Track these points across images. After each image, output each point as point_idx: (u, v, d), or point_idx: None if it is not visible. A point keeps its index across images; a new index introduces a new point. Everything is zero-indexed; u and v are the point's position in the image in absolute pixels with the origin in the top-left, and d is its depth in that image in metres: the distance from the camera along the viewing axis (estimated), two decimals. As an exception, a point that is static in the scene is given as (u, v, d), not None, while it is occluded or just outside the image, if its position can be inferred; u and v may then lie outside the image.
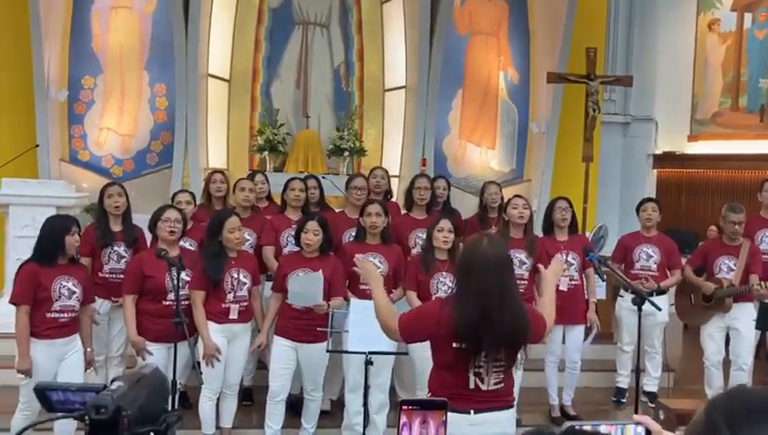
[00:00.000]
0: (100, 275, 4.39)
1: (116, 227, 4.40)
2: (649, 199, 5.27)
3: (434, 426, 1.86)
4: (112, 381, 1.18)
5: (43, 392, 1.18)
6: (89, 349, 3.96)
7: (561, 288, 4.73)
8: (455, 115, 8.27)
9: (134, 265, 4.12)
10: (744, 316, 4.90)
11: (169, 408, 3.62)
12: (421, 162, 7.83)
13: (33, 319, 3.72)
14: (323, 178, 5.84)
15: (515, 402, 2.85)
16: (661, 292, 4.95)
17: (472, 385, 2.60)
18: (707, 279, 5.02)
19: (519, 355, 2.64)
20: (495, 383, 2.63)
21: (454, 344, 2.57)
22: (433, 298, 3.73)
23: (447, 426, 1.95)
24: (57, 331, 3.76)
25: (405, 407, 1.85)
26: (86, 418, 1.07)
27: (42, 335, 3.72)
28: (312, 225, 4.13)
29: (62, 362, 3.79)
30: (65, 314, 3.78)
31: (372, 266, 3.00)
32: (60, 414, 1.18)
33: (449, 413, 2.49)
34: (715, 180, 9.11)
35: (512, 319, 2.54)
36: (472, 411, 2.61)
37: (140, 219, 4.52)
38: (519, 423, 4.69)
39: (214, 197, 5.02)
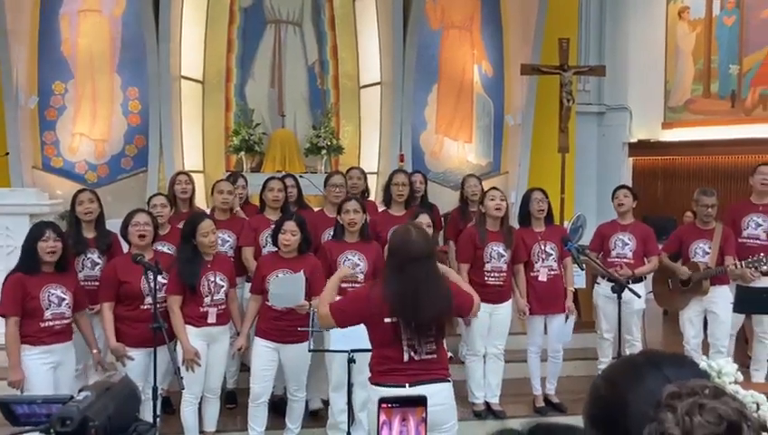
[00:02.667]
0: (75, 282, 4.33)
1: (89, 233, 4.33)
2: (621, 187, 5.30)
3: (414, 423, 1.86)
4: (80, 390, 1.16)
5: (7, 406, 1.15)
6: (95, 351, 3.97)
7: (540, 279, 4.77)
8: (431, 110, 8.26)
9: (108, 272, 4.06)
10: (721, 300, 4.97)
11: (150, 416, 3.55)
12: (399, 158, 7.82)
13: (27, 329, 3.69)
14: (301, 177, 5.80)
15: (450, 377, 3.01)
16: (637, 279, 4.99)
17: (406, 357, 2.82)
18: (683, 264, 5.08)
19: (446, 328, 2.94)
20: (428, 353, 2.85)
21: (386, 320, 2.81)
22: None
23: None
24: (53, 337, 3.75)
25: (384, 405, 1.85)
26: (51, 431, 1.04)
27: (38, 342, 3.69)
28: (290, 225, 4.10)
29: (57, 370, 3.76)
30: (57, 322, 3.77)
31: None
32: (24, 428, 1.15)
33: (384, 388, 2.71)
34: (690, 166, 9.19)
35: (438, 300, 2.83)
36: (407, 385, 2.80)
37: (117, 225, 4.45)
38: (504, 415, 4.77)
39: (179, 199, 4.96)
